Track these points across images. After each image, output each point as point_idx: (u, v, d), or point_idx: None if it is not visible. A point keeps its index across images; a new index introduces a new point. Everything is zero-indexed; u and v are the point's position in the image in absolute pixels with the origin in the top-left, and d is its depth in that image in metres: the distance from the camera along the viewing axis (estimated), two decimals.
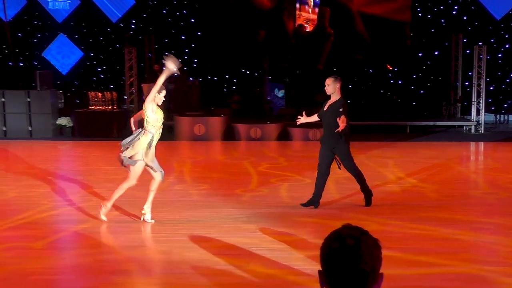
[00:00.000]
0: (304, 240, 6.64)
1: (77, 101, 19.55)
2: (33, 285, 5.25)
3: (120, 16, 20.85)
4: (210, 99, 19.71)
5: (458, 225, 7.15)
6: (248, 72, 20.38)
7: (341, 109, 7.72)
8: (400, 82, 20.34)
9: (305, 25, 20.00)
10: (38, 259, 5.97)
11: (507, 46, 20.06)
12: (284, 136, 16.19)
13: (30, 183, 9.98)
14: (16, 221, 7.46)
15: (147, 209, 7.38)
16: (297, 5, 19.97)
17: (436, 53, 20.31)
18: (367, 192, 8.23)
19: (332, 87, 7.97)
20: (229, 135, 16.37)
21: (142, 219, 7.37)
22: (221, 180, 10.20)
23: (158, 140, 7.31)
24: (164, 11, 20.88)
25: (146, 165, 7.22)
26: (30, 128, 16.91)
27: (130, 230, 7.07)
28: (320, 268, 2.03)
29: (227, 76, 20.73)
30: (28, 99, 16.97)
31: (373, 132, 17.25)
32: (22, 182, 10.02)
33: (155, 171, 7.32)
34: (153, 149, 7.23)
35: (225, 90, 20.49)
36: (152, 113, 7.19)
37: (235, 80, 20.47)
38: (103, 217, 7.28)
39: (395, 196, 9.13)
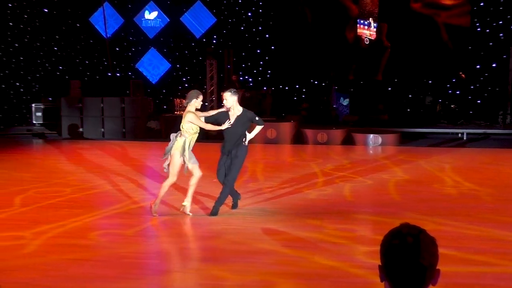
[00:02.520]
0: (364, 236, 6.53)
1: (165, 107, 20.02)
2: (125, 267, 5.39)
3: (203, 32, 21.21)
4: (282, 107, 19.74)
5: None
6: (316, 82, 20.28)
7: (257, 118, 7.66)
8: (458, 92, 19.71)
9: (364, 38, 19.72)
10: (129, 244, 6.14)
11: None
12: (348, 141, 16.00)
13: (123, 178, 10.28)
14: (111, 211, 7.69)
15: (187, 203, 7.37)
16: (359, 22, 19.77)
17: (494, 65, 19.56)
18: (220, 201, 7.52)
19: (230, 100, 7.60)
20: (298, 139, 16.34)
21: (181, 210, 7.41)
22: (290, 180, 10.17)
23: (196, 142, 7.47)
24: (242, 28, 21.09)
25: (184, 163, 7.25)
26: (124, 130, 17.44)
27: (209, 223, 7.15)
28: (380, 263, 1.99)
29: (297, 86, 20.70)
30: (123, 105, 17.51)
31: (432, 138, 16.80)
32: (116, 177, 10.33)
33: (193, 169, 7.31)
34: (188, 150, 7.29)
35: (295, 98, 20.45)
36: (188, 123, 7.35)
37: (304, 90, 20.42)
38: (155, 214, 7.31)
39: (452, 198, 8.83)
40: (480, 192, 9.06)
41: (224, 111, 7.73)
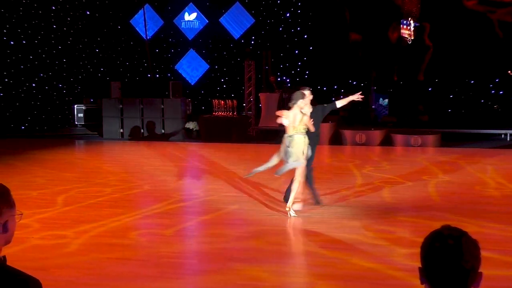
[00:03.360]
0: (404, 238, 6.44)
1: (203, 107, 20.17)
2: (164, 266, 5.46)
3: (242, 33, 21.29)
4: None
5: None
6: (355, 82, 20.10)
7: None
8: (501, 92, 19.23)
9: (406, 37, 19.44)
10: (168, 244, 6.21)
11: None
12: (387, 142, 15.81)
13: (162, 178, 10.40)
14: (150, 211, 7.80)
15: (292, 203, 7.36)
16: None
17: None
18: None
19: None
20: (336, 140, 16.23)
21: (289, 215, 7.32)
22: (329, 181, 10.11)
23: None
24: (280, 29, 21.07)
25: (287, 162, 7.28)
26: (163, 131, 17.65)
27: (248, 223, 7.17)
28: (420, 266, 1.96)
29: (335, 87, 20.55)
30: (162, 106, 17.72)
31: (474, 139, 16.44)
32: (156, 178, 10.45)
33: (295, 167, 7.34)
34: (290, 149, 7.25)
35: (333, 99, 20.33)
36: (287, 122, 7.31)
37: (342, 90, 20.25)
38: (294, 214, 7.31)
39: (495, 200, 8.62)
40: None
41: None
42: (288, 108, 7.54)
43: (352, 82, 20.12)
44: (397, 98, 19.34)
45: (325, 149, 15.39)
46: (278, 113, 7.63)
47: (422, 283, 1.96)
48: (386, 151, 14.79)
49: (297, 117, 7.28)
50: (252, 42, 21.24)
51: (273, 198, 8.61)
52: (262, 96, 18.73)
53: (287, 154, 7.30)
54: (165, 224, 7.01)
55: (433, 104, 18.84)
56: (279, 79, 20.46)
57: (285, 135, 7.39)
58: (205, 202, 8.43)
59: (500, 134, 16.91)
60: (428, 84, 19.58)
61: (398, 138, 15.67)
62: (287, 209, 7.39)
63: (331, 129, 16.35)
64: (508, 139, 16.58)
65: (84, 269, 5.38)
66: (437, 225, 2.01)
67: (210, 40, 21.70)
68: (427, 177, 10.40)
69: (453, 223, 2.00)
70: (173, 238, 6.49)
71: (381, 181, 9.99)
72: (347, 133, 16.13)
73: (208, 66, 21.77)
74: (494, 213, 7.69)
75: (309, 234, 6.54)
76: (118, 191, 9.14)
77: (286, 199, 7.69)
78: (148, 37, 21.15)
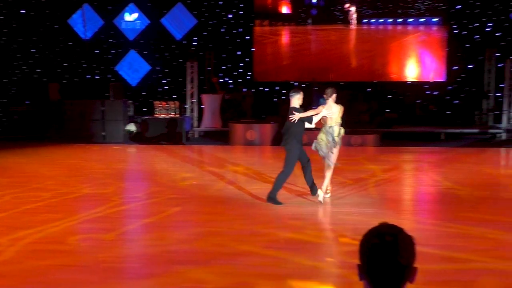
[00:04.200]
0: (345, 235, 6.55)
1: (144, 109, 19.90)
2: (106, 271, 5.34)
3: (183, 34, 21.14)
4: (262, 108, 19.77)
5: (490, 225, 6.91)
6: (296, 83, 20.32)
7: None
8: (436, 93, 19.93)
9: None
10: (109, 248, 6.07)
11: None
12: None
13: (103, 181, 10.19)
14: (90, 215, 7.61)
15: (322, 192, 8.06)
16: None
17: (470, 66, 19.84)
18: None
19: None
20: (278, 140, 16.34)
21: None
22: (271, 182, 10.15)
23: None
24: (223, 30, 21.06)
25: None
26: (104, 133, 17.29)
27: (191, 225, 7.12)
28: (359, 262, 2.00)
29: (277, 88, 20.72)
30: (103, 108, 17.36)
31: (410, 138, 16.95)
32: (96, 181, 10.23)
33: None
34: (337, 138, 8.18)
35: (275, 100, 20.47)
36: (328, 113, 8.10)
37: (284, 91, 20.44)
38: (322, 200, 7.99)
39: (432, 197, 8.93)
40: (459, 191, 9.15)
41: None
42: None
43: (294, 83, 20.34)
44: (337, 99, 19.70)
45: (267, 149, 15.49)
46: (317, 110, 8.27)
47: (361, 279, 2.00)
48: None
49: (335, 110, 8.16)
50: (195, 43, 21.13)
51: (216, 198, 8.59)
52: (204, 97, 18.67)
53: (333, 143, 8.10)
54: (106, 228, 6.86)
55: (373, 104, 19.30)
56: (221, 80, 20.44)
57: (325, 127, 8.12)
58: (147, 205, 8.31)
59: (436, 133, 17.49)
60: (368, 85, 20.06)
61: (344, 138, 15.92)
62: (321, 195, 7.97)
63: (273, 129, 16.45)
64: (443, 138, 17.19)
65: (21, 277, 5.19)
66: (376, 222, 2.05)
67: (152, 41, 21.43)
68: (367, 175, 10.63)
69: (392, 221, 2.05)
70: (115, 242, 6.36)
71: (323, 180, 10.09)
72: None
73: (150, 67, 21.50)
74: (432, 209, 7.95)
75: (252, 235, 6.56)
76: (57, 196, 8.88)
77: (313, 192, 8.19)
78: (87, 37, 20.67)
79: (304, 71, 20.23)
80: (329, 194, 8.46)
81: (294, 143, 8.03)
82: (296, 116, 7.92)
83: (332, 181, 8.73)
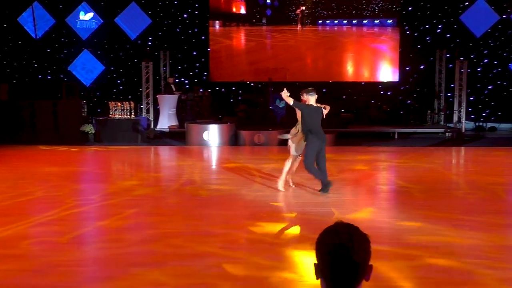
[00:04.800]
0: (302, 235, 6.63)
1: (99, 110, 19.60)
2: (60, 275, 5.24)
3: (138, 33, 20.92)
4: (219, 109, 19.76)
5: (442, 222, 7.11)
6: (252, 84, 20.40)
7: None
8: (389, 93, 20.34)
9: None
10: (63, 252, 5.97)
11: (485, 61, 20.12)
12: (285, 142, 16.14)
13: (56, 183, 9.99)
14: (44, 218, 7.46)
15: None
16: None
17: (422, 67, 20.34)
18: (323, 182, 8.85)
19: (312, 99, 8.82)
20: (235, 140, 16.40)
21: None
22: (229, 181, 10.18)
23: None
24: (178, 30, 20.94)
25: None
26: (57, 134, 16.95)
27: (148, 227, 7.06)
28: (316, 261, 2.04)
29: (233, 88, 20.75)
30: (56, 109, 17.01)
31: (364, 138, 17.26)
32: (49, 183, 10.02)
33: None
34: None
35: (231, 100, 20.50)
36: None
37: (240, 91, 20.50)
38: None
39: (385, 195, 9.12)
40: (411, 189, 9.38)
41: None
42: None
43: (250, 83, 20.42)
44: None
45: (224, 150, 15.50)
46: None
47: (317, 278, 2.04)
48: (284, 151, 15.12)
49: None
50: (150, 43, 20.94)
51: (172, 199, 8.55)
52: (160, 97, 18.53)
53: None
54: (60, 231, 6.73)
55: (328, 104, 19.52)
56: (177, 80, 20.32)
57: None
58: (103, 207, 8.20)
59: (390, 133, 17.88)
60: (322, 85, 20.30)
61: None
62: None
63: (230, 130, 16.48)
64: (395, 137, 17.57)
65: None
66: (332, 221, 2.10)
67: (106, 40, 21.12)
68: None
69: (347, 219, 2.10)
70: (69, 245, 6.25)
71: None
72: (245, 134, 16.33)
73: (104, 67, 21.19)
74: (385, 208, 8.12)
75: (210, 235, 6.56)
76: (8, 199, 8.65)
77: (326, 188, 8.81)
78: (38, 36, 20.21)
79: (260, 71, 20.34)
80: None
81: (310, 137, 8.66)
82: (284, 94, 8.59)
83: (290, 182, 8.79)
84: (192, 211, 7.86)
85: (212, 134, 16.19)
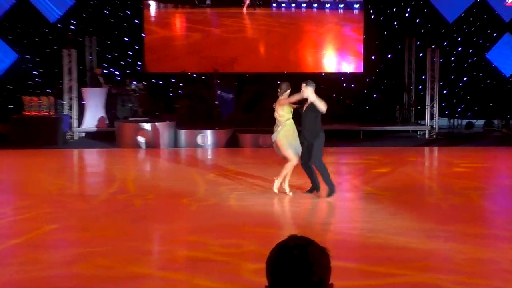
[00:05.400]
0: (253, 251, 6.64)
1: (11, 106, 19.11)
2: None
3: (59, 16, 20.51)
4: (156, 104, 19.58)
5: (414, 233, 7.26)
6: (195, 75, 20.31)
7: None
8: (353, 86, 20.59)
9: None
10: None
11: (459, 49, 20.60)
12: (234, 143, 16.19)
13: None
14: None
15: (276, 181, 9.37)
16: None
17: (389, 56, 20.69)
18: (331, 185, 9.14)
19: (307, 92, 9.17)
20: (175, 141, 16.27)
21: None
22: (168, 189, 10.10)
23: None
24: (107, 11, 20.64)
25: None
26: None
27: (70, 245, 6.94)
28: (267, 283, 2.00)
29: (173, 80, 20.60)
30: None
31: (327, 137, 17.40)
32: None
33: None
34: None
35: (170, 94, 20.32)
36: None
37: (181, 84, 20.36)
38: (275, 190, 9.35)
39: (350, 204, 9.23)
40: (379, 196, 9.52)
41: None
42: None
43: (193, 74, 20.33)
44: (244, 92, 19.95)
45: (161, 152, 15.36)
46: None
47: None
48: (233, 153, 15.14)
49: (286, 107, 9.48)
50: (73, 27, 20.55)
51: (100, 211, 8.42)
52: (85, 91, 18.22)
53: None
54: None
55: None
56: (106, 71, 20.03)
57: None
58: (17, 222, 8.00)
59: (354, 131, 18.08)
60: (277, 77, 20.40)
61: (246, 138, 16.11)
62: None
63: (169, 129, 16.32)
64: (361, 136, 17.83)
65: None
66: (285, 235, 2.09)
67: (19, 23, 20.62)
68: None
69: (307, 231, 2.10)
70: None
71: (227, 188, 10.19)
72: (188, 134, 16.23)
73: (17, 56, 20.68)
74: (350, 217, 8.23)
75: (145, 254, 6.49)
76: None
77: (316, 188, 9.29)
78: None
79: (204, 61, 20.26)
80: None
81: (321, 134, 9.30)
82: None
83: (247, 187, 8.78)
84: (124, 225, 7.75)
85: (148, 134, 16.01)
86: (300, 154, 9.29)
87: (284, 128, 9.27)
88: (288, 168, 9.26)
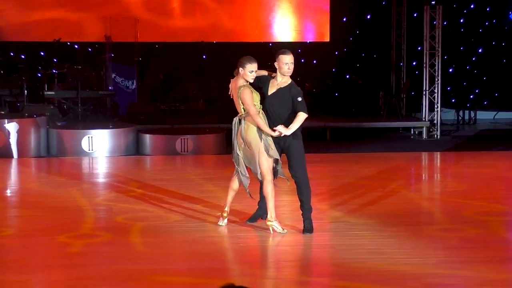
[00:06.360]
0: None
1: None
2: None
3: None
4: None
5: (409, 283, 7.28)
6: (77, 46, 20.10)
7: (299, 99, 9.03)
8: (315, 61, 20.58)
9: None
10: None
11: (472, 6, 20.48)
12: (137, 148, 16.05)
13: None
14: None
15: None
16: None
17: (368, 16, 20.69)
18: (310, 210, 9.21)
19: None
20: (46, 147, 16.02)
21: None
22: (36, 221, 9.93)
23: None
24: None
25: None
26: None
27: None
28: None
29: (42, 53, 20.35)
30: None
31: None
32: None
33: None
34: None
35: (39, 75, 19.98)
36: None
37: (56, 60, 20.11)
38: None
39: (318, 239, 9.21)
40: (357, 226, 9.58)
41: (266, 75, 9.24)
42: None
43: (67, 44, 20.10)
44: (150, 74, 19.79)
45: (23, 163, 15.12)
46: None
47: None
48: (135, 163, 15.03)
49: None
50: None
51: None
52: None
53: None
54: None
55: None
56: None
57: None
58: None
59: (319, 130, 18.09)
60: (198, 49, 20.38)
61: (156, 141, 15.96)
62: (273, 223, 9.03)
63: (36, 129, 16.02)
64: (327, 137, 17.89)
65: None
66: (232, 276, 2.06)
67: None
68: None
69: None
70: None
71: (129, 216, 10.06)
72: (66, 135, 16.00)
73: None
74: (315, 261, 8.26)
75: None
76: None
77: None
78: None
79: (98, 26, 20.10)
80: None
81: (299, 136, 9.40)
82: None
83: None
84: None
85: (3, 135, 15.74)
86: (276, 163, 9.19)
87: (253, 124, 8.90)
88: (270, 192, 9.00)
